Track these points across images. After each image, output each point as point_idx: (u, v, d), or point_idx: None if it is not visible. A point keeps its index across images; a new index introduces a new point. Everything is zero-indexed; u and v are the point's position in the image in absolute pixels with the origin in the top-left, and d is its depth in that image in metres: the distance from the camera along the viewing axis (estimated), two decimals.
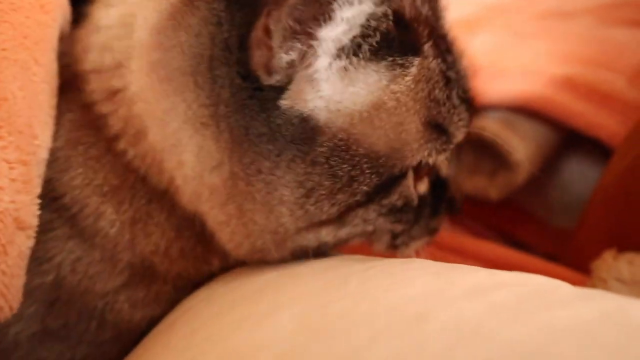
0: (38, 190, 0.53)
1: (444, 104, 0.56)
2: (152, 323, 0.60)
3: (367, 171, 0.53)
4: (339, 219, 0.55)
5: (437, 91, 0.56)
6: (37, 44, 0.55)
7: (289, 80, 0.50)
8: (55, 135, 0.56)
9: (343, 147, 0.52)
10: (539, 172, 0.88)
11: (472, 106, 0.61)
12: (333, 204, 0.53)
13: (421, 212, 0.61)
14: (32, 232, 0.53)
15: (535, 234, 0.94)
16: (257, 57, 0.49)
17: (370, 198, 0.55)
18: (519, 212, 0.96)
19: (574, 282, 0.44)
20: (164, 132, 0.53)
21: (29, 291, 0.53)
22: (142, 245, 0.57)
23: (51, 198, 0.56)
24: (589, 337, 0.35)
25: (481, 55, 0.86)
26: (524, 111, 0.89)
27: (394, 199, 0.56)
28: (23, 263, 0.52)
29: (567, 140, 0.91)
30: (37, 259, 0.55)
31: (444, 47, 0.58)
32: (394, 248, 0.62)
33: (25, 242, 0.52)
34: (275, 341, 0.43)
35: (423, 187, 0.61)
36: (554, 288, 0.43)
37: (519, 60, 0.96)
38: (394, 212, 0.57)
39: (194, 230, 0.57)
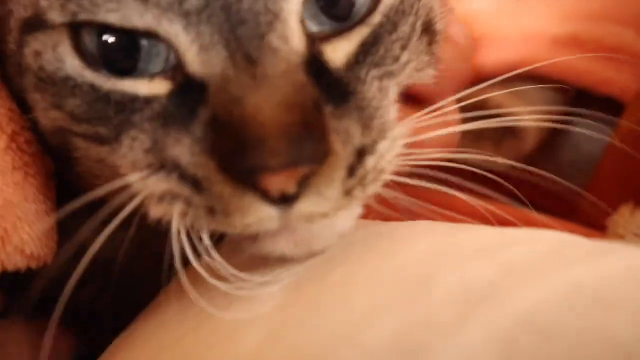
0: None
1: None
2: None
3: None
4: None
5: None
6: None
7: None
8: None
9: None
10: (549, 136, 0.84)
11: None
12: None
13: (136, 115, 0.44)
14: None
15: (545, 195, 0.91)
16: None
17: None
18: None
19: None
20: None
21: None
22: None
23: None
24: (615, 298, 0.31)
25: (480, 23, 0.85)
26: (529, 77, 0.83)
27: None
28: None
29: (577, 100, 0.87)
30: None
31: None
32: None
33: None
34: (267, 315, 0.39)
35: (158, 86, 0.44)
36: (571, 243, 0.39)
37: (520, 25, 0.92)
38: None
39: None
